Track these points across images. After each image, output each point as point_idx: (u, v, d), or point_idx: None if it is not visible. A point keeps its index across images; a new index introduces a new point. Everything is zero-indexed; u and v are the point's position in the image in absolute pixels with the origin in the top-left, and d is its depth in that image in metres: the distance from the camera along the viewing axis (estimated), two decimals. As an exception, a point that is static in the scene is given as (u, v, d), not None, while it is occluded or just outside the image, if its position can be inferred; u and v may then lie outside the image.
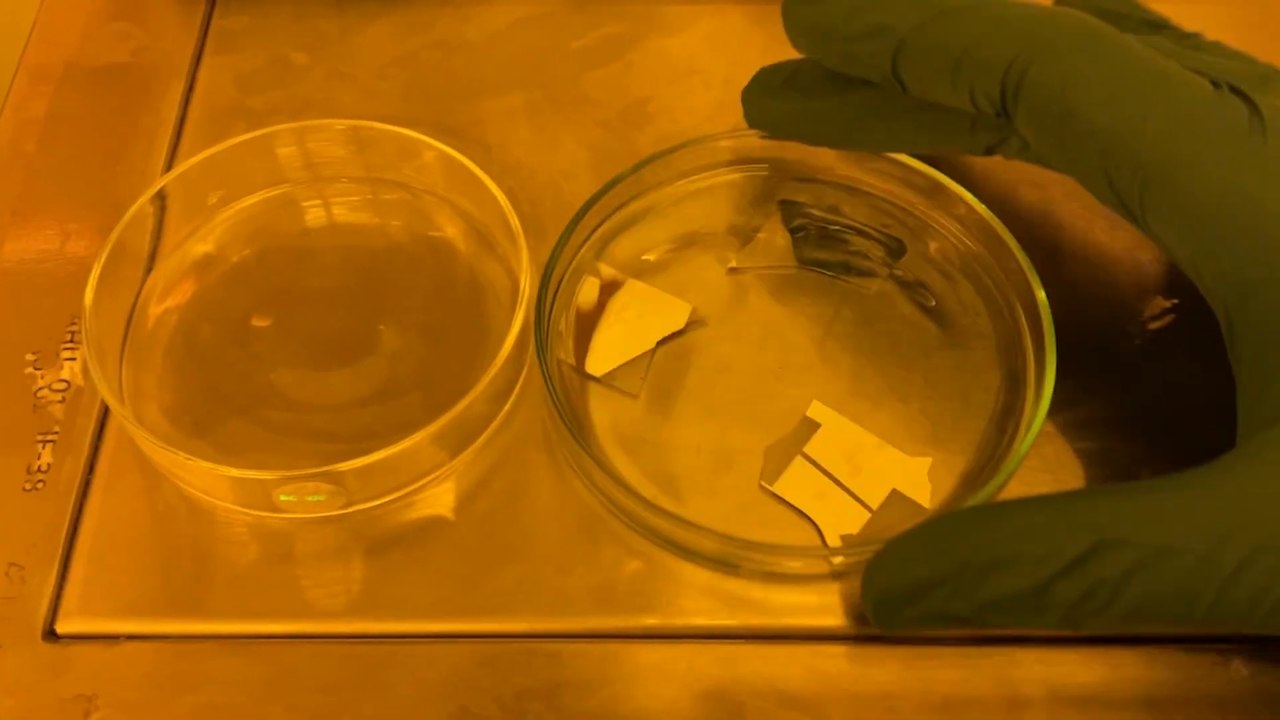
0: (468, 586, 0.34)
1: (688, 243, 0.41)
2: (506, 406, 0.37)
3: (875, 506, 0.35)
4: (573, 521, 0.35)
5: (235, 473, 0.33)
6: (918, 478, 0.35)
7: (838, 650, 0.32)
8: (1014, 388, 0.37)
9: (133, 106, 0.44)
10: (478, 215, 0.40)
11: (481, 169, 0.39)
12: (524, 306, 0.36)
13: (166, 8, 0.46)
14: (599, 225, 0.40)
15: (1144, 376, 0.37)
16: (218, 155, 0.39)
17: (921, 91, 0.33)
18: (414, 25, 0.46)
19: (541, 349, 0.36)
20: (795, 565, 0.33)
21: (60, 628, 0.33)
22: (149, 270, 0.39)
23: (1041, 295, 0.36)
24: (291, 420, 0.36)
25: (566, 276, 0.39)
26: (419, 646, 0.33)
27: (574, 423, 0.36)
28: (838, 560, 0.33)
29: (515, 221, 0.38)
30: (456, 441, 0.35)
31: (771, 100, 0.38)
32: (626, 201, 0.41)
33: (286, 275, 0.39)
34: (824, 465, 0.35)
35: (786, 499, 0.35)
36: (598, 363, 0.37)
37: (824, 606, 0.33)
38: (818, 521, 0.34)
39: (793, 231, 0.40)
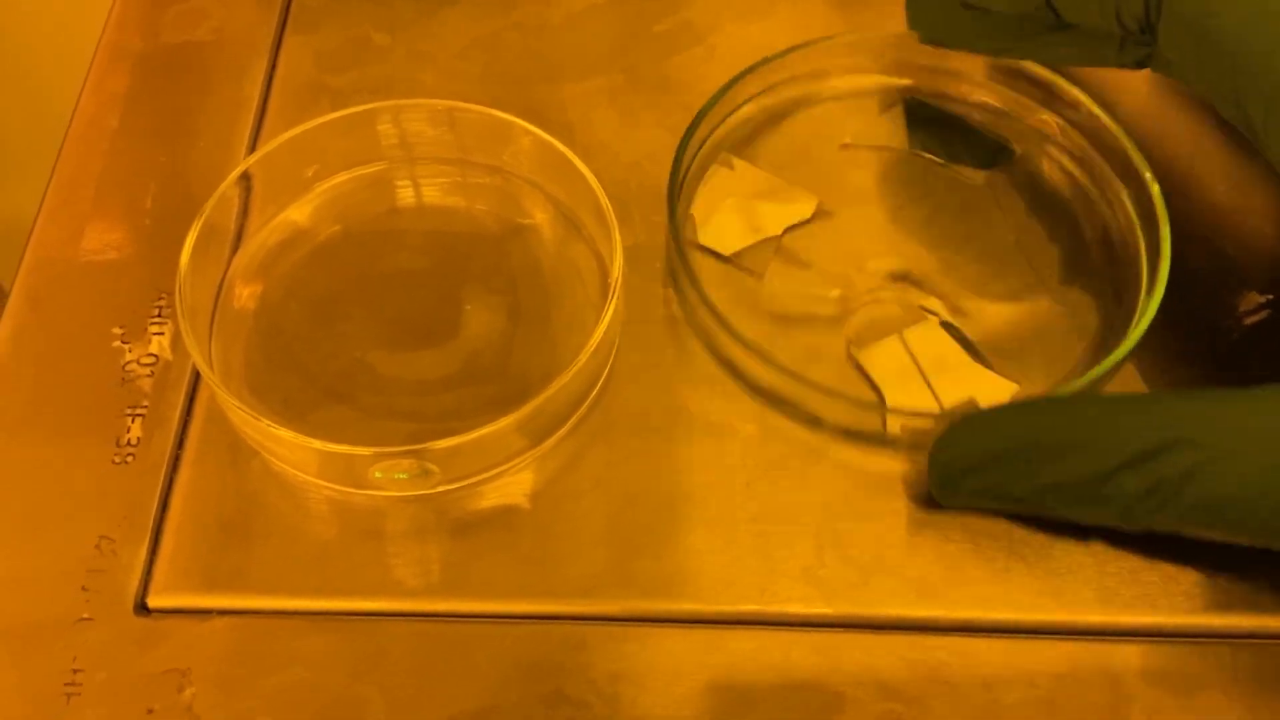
0: (556, 568, 0.33)
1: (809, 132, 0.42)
2: (594, 391, 0.36)
3: (947, 406, 0.35)
4: (661, 506, 0.34)
5: (331, 447, 0.32)
6: (999, 396, 0.35)
7: (938, 642, 0.32)
8: (1120, 290, 0.38)
9: (214, 83, 0.44)
10: (565, 199, 0.40)
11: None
12: (615, 292, 0.35)
13: (247, -16, 0.46)
14: (723, 119, 0.41)
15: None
16: (310, 132, 0.39)
17: (1071, 14, 0.34)
18: (493, 8, 0.46)
19: (676, 231, 0.37)
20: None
21: (151, 602, 0.33)
22: (236, 247, 0.39)
23: (1155, 188, 0.37)
24: (378, 400, 0.36)
25: (693, 166, 0.40)
26: (509, 627, 0.33)
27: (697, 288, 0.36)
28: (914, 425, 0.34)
29: (607, 204, 0.37)
30: (545, 425, 0.35)
31: (934, 4, 0.39)
32: (752, 97, 0.42)
33: (374, 254, 0.39)
34: (915, 354, 0.36)
35: (868, 371, 0.36)
36: (726, 243, 0.39)
37: (923, 595, 0.33)
38: (888, 401, 0.35)
39: (911, 115, 0.42)
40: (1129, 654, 0.32)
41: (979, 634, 0.32)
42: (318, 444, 0.32)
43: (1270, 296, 0.38)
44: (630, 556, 0.34)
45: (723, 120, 0.42)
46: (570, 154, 0.38)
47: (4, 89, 0.79)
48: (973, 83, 0.42)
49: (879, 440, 0.35)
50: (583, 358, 0.34)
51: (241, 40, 0.45)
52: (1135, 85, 0.43)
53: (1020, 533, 0.33)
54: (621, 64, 0.44)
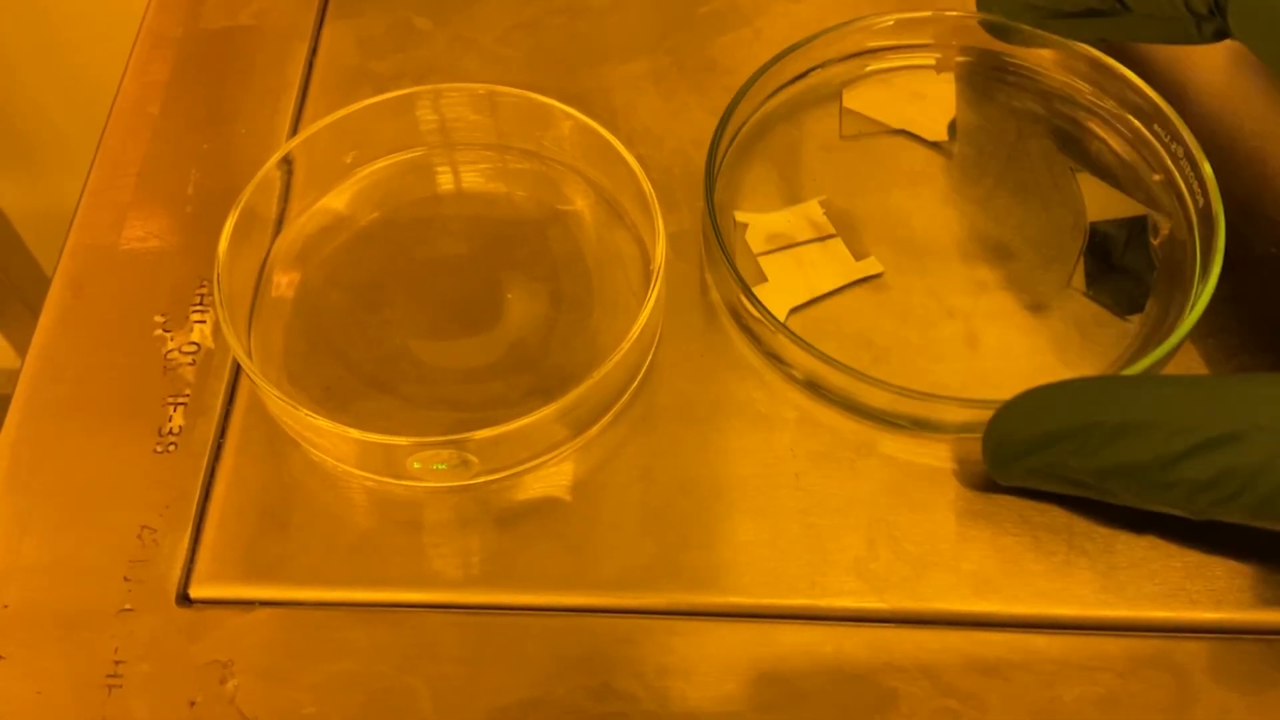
0: (601, 560, 0.33)
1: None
2: (637, 380, 0.36)
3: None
4: (708, 497, 0.34)
5: (368, 436, 0.32)
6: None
7: (995, 638, 0.31)
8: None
9: (255, 69, 0.43)
10: (608, 185, 0.39)
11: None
12: (658, 280, 0.35)
13: (288, -29, 0.46)
14: (765, 100, 0.41)
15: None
16: (349, 117, 0.38)
17: (1139, 3, 0.35)
18: (537, -11, 0.45)
19: (713, 216, 0.36)
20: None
21: (194, 592, 0.33)
22: (277, 233, 0.39)
23: (1206, 167, 0.36)
24: (419, 389, 0.36)
25: (733, 147, 0.40)
26: (556, 619, 0.32)
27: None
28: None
29: (649, 189, 0.36)
30: (587, 414, 0.34)
31: None
32: (796, 78, 0.41)
33: (415, 241, 0.39)
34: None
35: None
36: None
37: (979, 590, 0.32)
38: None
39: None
40: (1194, 650, 0.31)
41: (1037, 629, 0.31)
42: (355, 434, 0.32)
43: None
44: (677, 548, 0.33)
45: (765, 101, 0.41)
46: (613, 139, 0.37)
47: (47, 77, 0.80)
48: (1026, 61, 0.41)
49: (929, 429, 0.34)
50: (625, 346, 0.33)
51: (283, 26, 0.44)
52: (1200, 64, 0.41)
53: (1081, 525, 0.32)
54: (666, 46, 0.43)
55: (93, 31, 0.74)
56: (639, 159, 0.40)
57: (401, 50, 0.44)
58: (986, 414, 0.32)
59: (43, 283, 0.42)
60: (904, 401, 0.33)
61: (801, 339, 0.34)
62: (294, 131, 0.41)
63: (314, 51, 0.44)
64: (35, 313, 0.39)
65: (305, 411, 0.32)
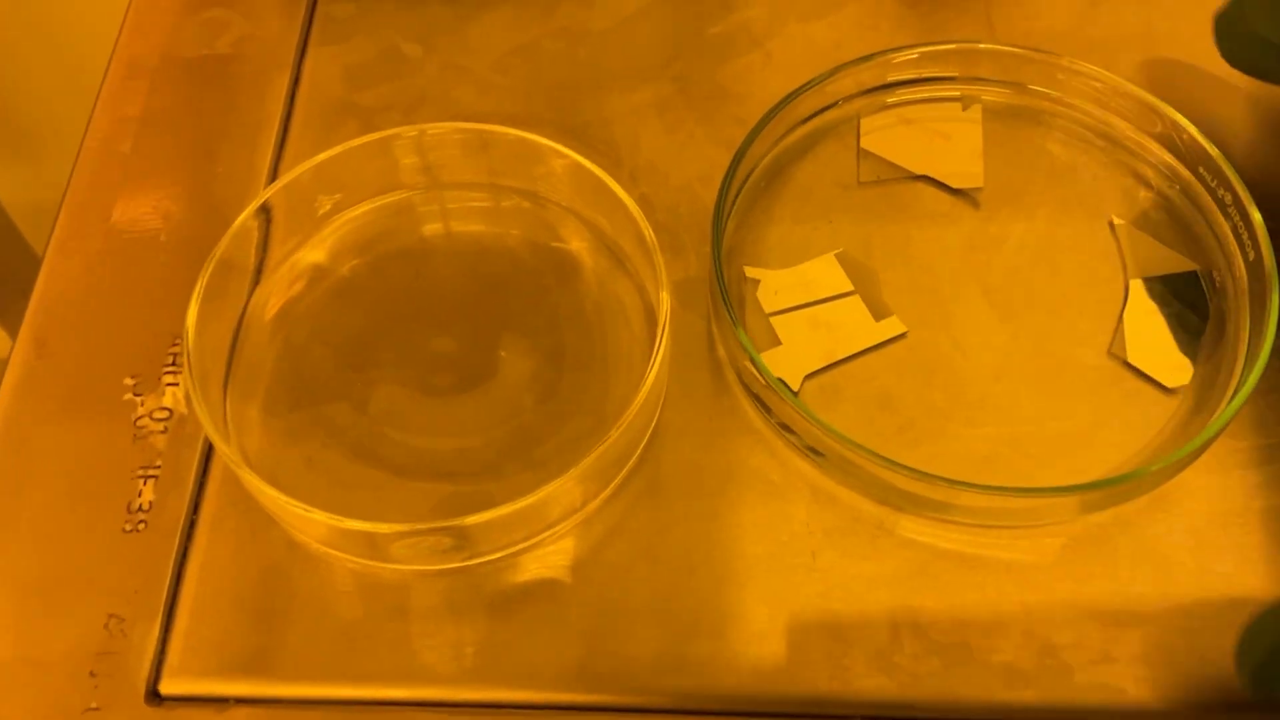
0: (604, 651, 0.30)
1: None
2: (640, 446, 0.33)
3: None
4: (719, 576, 0.31)
5: (349, 524, 0.30)
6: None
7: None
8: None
9: (234, 102, 0.41)
10: (608, 227, 0.37)
11: (611, 175, 0.35)
12: (663, 331, 0.32)
13: (269, -7, 0.43)
14: (779, 140, 0.38)
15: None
16: (329, 160, 0.36)
17: None
18: (534, 11, 0.42)
19: (720, 274, 0.33)
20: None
21: (164, 688, 0.30)
22: (255, 284, 0.36)
23: (1258, 217, 0.33)
24: (408, 456, 0.33)
25: (744, 191, 0.37)
26: (553, 717, 0.30)
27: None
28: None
29: (650, 235, 0.34)
30: (591, 486, 0.32)
31: (1243, 41, 0.37)
32: (810, 116, 0.38)
33: (402, 291, 0.36)
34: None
35: None
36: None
37: (1011, 683, 0.29)
38: None
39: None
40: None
41: (1076, 734, 0.29)
42: (335, 521, 0.29)
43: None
44: (686, 637, 0.30)
45: (778, 141, 0.38)
46: (612, 182, 0.35)
47: (8, 102, 0.76)
48: (1061, 96, 0.38)
49: (956, 513, 0.31)
50: (629, 414, 0.31)
51: (263, 54, 0.42)
52: (1249, 103, 0.38)
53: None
54: (671, 72, 0.41)
55: (61, 61, 0.71)
56: (642, 198, 0.37)
57: (389, 79, 0.41)
58: (1019, 502, 0.30)
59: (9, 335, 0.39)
60: (927, 485, 0.30)
61: (815, 417, 0.31)
62: (274, 170, 0.39)
63: (296, 82, 0.41)
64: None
65: (283, 498, 0.30)
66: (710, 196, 0.37)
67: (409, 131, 0.36)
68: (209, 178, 0.39)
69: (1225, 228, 0.35)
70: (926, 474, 0.30)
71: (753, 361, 0.32)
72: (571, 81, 0.41)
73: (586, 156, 0.35)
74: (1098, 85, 0.37)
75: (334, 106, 0.40)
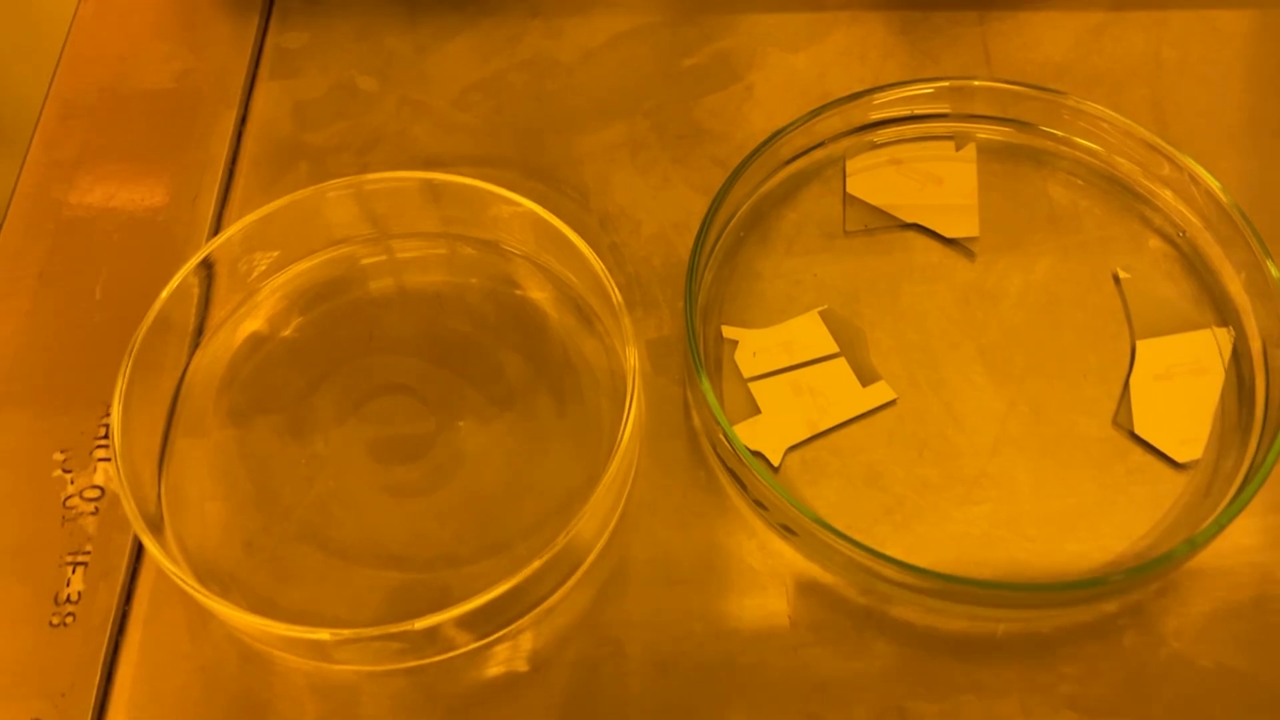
0: (568, 758, 0.28)
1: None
2: (610, 527, 0.31)
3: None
4: (693, 676, 0.29)
5: (286, 630, 0.27)
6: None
7: None
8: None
9: (177, 143, 0.38)
10: (574, 281, 0.34)
11: (577, 225, 0.33)
12: (631, 403, 0.30)
13: (215, 22, 0.40)
14: (758, 186, 0.35)
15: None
16: (276, 212, 0.33)
17: None
18: (498, 42, 0.39)
19: (693, 335, 0.31)
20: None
21: (90, 805, 0.28)
22: (195, 346, 0.34)
23: (1275, 272, 0.31)
24: (356, 541, 0.31)
25: (729, 228, 0.34)
26: (510, 839, 0.27)
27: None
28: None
29: (617, 296, 0.31)
30: (556, 575, 0.30)
31: None
32: (793, 158, 0.36)
33: (352, 355, 0.33)
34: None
35: None
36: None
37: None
38: None
39: None
40: None
41: None
42: (273, 626, 0.27)
43: None
44: (658, 741, 0.28)
45: (759, 185, 0.35)
46: (572, 234, 0.32)
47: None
48: (1064, 136, 0.35)
49: (950, 600, 0.29)
50: (598, 494, 0.29)
51: (209, 89, 0.39)
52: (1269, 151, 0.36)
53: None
54: (645, 108, 0.38)
55: (16, 42, 0.67)
56: (612, 248, 0.35)
57: (343, 117, 0.38)
58: (1014, 595, 0.27)
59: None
60: (916, 577, 0.28)
61: (793, 500, 0.28)
62: (219, 218, 0.36)
63: (243, 120, 0.38)
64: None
65: (214, 600, 0.27)
66: (686, 245, 0.35)
67: (357, 180, 0.33)
68: (149, 227, 0.36)
69: (1239, 283, 0.32)
70: (913, 567, 0.27)
71: (726, 435, 0.29)
72: (538, 118, 0.38)
73: (553, 200, 0.33)
74: (1102, 125, 0.34)
75: (283, 147, 0.38)
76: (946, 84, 0.35)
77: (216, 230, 0.36)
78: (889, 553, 0.29)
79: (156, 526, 0.30)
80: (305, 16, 0.40)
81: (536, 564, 0.28)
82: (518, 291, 0.34)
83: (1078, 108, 0.34)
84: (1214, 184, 0.32)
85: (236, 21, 0.40)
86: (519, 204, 0.33)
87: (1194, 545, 0.28)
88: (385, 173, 0.34)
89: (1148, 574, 0.28)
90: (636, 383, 0.30)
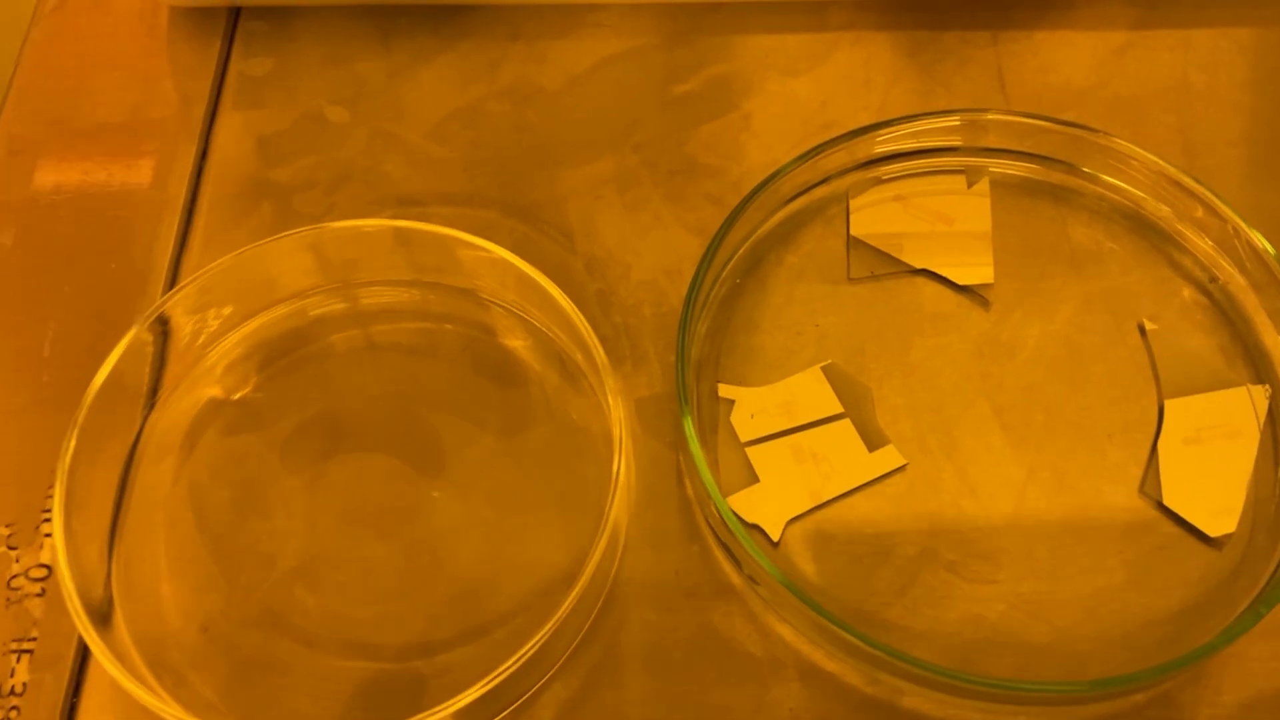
0: None
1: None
2: (596, 608, 0.28)
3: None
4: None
5: (244, 738, 0.25)
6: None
7: None
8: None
9: (132, 182, 0.35)
10: (557, 334, 0.32)
11: (561, 270, 0.31)
12: (618, 474, 0.27)
13: (175, 49, 0.38)
14: (756, 228, 0.33)
15: None
16: (229, 266, 0.31)
17: None
18: (477, 67, 0.37)
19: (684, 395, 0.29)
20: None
21: None
22: (149, 411, 0.31)
23: None
24: (320, 626, 0.28)
25: (725, 273, 0.32)
26: None
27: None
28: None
29: (601, 354, 0.29)
30: (539, 666, 0.27)
31: None
32: (795, 195, 0.33)
33: (317, 419, 0.31)
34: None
35: None
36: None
37: None
38: None
39: None
40: None
41: None
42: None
43: None
44: None
45: (758, 226, 0.33)
46: (552, 287, 0.30)
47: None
48: (1087, 171, 0.33)
49: (955, 692, 0.26)
50: (585, 576, 0.26)
51: (167, 122, 0.36)
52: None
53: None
54: (635, 140, 0.35)
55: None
56: (601, 294, 0.32)
57: (310, 151, 0.36)
58: (1031, 692, 0.25)
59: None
60: (925, 671, 0.25)
61: (792, 586, 0.26)
62: (176, 267, 0.34)
63: (203, 155, 0.36)
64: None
65: (164, 703, 0.25)
66: (678, 292, 0.32)
67: (319, 229, 0.31)
68: (101, 278, 0.34)
69: (1277, 336, 0.30)
70: (920, 662, 0.25)
71: (717, 508, 0.27)
72: (519, 151, 0.35)
73: (535, 242, 0.31)
74: (1129, 160, 0.32)
75: (246, 185, 0.35)
76: (958, 120, 0.32)
77: (174, 280, 0.33)
78: (900, 637, 0.27)
79: (103, 613, 0.28)
80: (271, 41, 0.37)
81: (515, 662, 0.25)
82: (497, 345, 0.32)
83: (1101, 143, 0.32)
84: (1246, 227, 0.30)
85: (197, 47, 0.38)
86: (493, 252, 0.30)
87: (1230, 636, 0.26)
88: (349, 220, 0.31)
89: (1178, 670, 0.25)
90: (623, 452, 0.28)
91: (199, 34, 0.38)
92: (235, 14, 0.38)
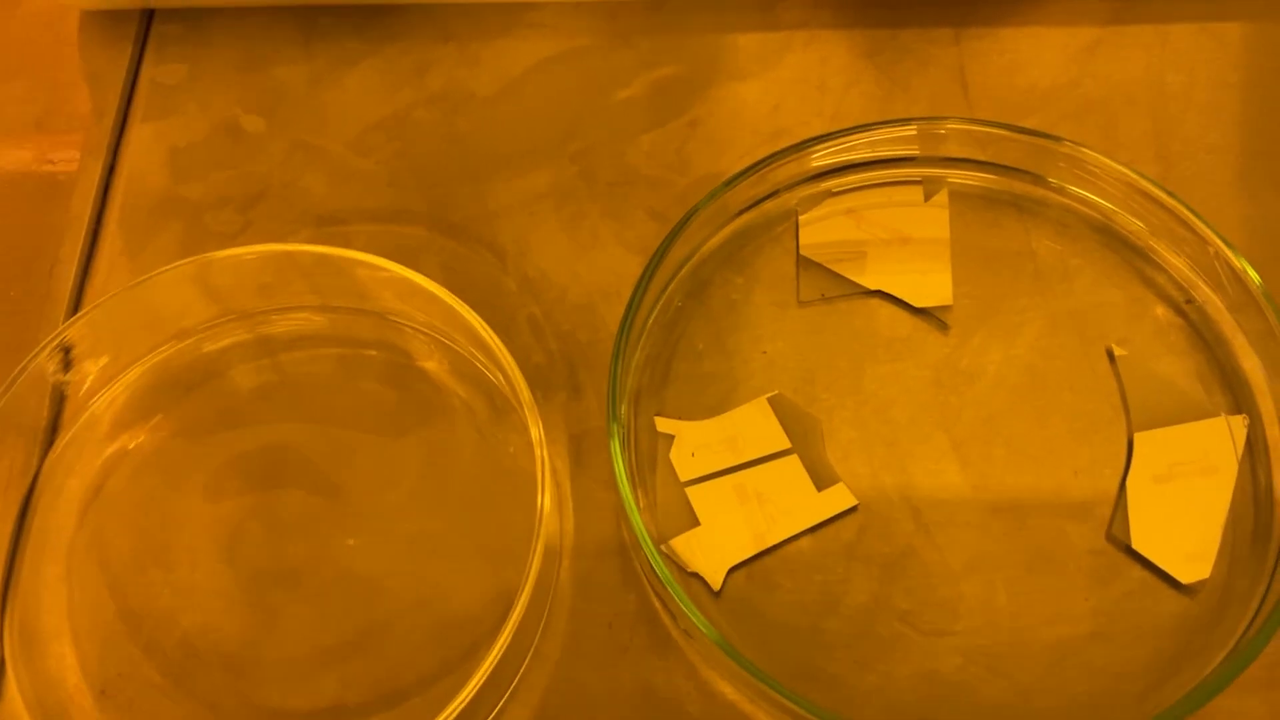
0: None
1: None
2: (524, 665, 0.26)
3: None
4: None
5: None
6: None
7: None
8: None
9: (34, 201, 0.33)
10: (483, 364, 0.29)
11: (492, 292, 0.29)
12: (543, 515, 0.26)
13: (83, 55, 0.35)
14: (699, 248, 0.30)
15: None
16: (131, 293, 0.29)
17: None
18: (404, 71, 0.34)
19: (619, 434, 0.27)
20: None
21: None
22: (47, 451, 0.29)
23: None
24: (227, 689, 0.27)
25: (665, 296, 0.30)
26: None
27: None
28: None
29: (526, 392, 0.27)
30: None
31: None
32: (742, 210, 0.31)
33: (225, 460, 0.29)
34: None
35: None
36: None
37: None
38: None
39: None
40: None
41: None
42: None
43: None
44: None
45: (701, 244, 0.31)
46: (475, 319, 0.28)
47: None
48: (1054, 181, 0.31)
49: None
50: (505, 633, 0.24)
51: (71, 134, 0.34)
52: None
53: None
54: (572, 149, 0.33)
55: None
56: (534, 319, 0.30)
57: (225, 165, 0.33)
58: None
59: None
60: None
61: (727, 647, 0.24)
62: (80, 291, 0.32)
63: (111, 170, 0.33)
64: None
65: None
66: (616, 316, 0.30)
67: (220, 255, 0.29)
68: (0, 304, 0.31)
69: (1256, 360, 0.28)
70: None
71: (648, 556, 0.25)
72: (448, 163, 0.33)
73: (465, 261, 0.29)
74: (1098, 171, 0.29)
75: (155, 203, 0.33)
76: (914, 130, 0.30)
77: (76, 308, 0.31)
78: (848, 695, 0.25)
79: (-11, 679, 0.26)
80: (185, 45, 0.35)
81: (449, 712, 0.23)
82: (419, 377, 0.30)
83: (1068, 152, 0.29)
84: (1223, 245, 0.28)
85: (107, 53, 0.35)
86: (417, 284, 0.28)
87: (1206, 693, 0.24)
88: (252, 246, 0.29)
89: None
90: (546, 495, 0.26)
91: (110, 39, 0.35)
92: (148, 17, 0.36)
